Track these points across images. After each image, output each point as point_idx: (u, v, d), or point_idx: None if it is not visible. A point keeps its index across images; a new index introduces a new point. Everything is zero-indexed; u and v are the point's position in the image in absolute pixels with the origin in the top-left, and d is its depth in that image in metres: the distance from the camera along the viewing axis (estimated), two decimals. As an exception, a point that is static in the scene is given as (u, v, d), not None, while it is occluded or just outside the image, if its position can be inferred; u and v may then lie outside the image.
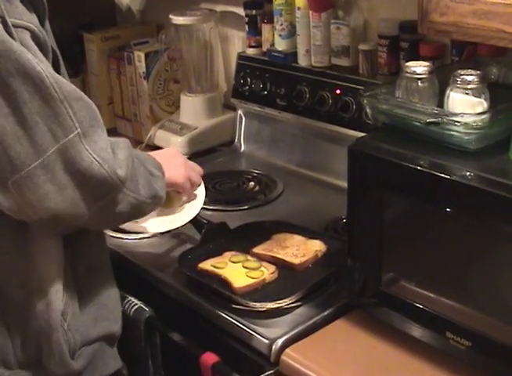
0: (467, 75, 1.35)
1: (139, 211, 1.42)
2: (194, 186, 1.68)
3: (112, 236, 1.88)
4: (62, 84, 1.26)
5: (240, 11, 2.32)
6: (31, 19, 1.29)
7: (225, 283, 1.62)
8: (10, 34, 1.23)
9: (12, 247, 1.40)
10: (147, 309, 1.68)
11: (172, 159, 1.61)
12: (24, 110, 1.24)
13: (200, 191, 1.76)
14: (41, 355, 1.45)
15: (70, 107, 1.26)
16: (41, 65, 1.25)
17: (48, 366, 1.45)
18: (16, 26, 1.25)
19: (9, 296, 1.43)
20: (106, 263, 1.56)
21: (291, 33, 2.17)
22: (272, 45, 2.24)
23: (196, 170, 1.70)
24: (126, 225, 1.65)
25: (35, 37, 1.29)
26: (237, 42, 2.44)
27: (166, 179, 1.49)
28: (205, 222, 1.81)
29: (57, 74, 1.28)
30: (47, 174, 1.26)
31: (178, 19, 2.33)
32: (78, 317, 1.46)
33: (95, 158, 1.27)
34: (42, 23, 1.36)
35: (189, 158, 2.24)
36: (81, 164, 1.26)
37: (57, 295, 1.42)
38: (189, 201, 1.73)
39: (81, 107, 1.28)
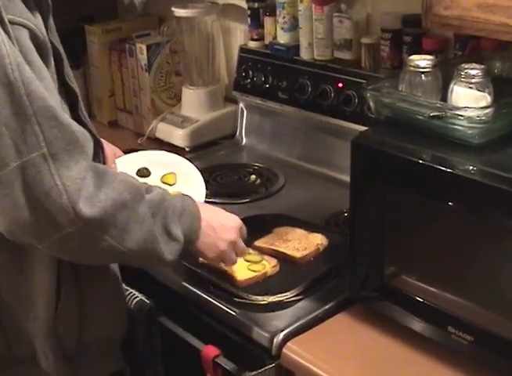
0: (471, 69, 1.35)
1: (120, 259, 1.35)
2: (228, 263, 1.52)
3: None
4: (36, 97, 1.18)
5: (242, 3, 2.31)
6: (31, 18, 1.25)
7: (226, 276, 1.62)
8: (6, 32, 1.19)
9: (2, 250, 1.36)
10: (148, 301, 1.68)
11: (222, 231, 1.44)
12: None
13: (200, 187, 1.77)
14: (35, 353, 1.44)
15: (38, 124, 1.18)
16: (17, 73, 1.17)
17: (42, 365, 1.44)
18: (13, 23, 1.21)
19: (1, 295, 1.41)
20: (112, 265, 1.52)
21: (293, 26, 2.17)
22: (275, 38, 2.24)
23: (239, 252, 1.51)
24: None
25: (34, 37, 1.24)
26: (239, 35, 2.43)
27: (194, 248, 1.39)
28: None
29: (36, 85, 1.19)
30: (4, 189, 1.19)
31: (180, 12, 2.33)
32: (77, 320, 1.44)
33: (57, 184, 1.19)
34: (46, 22, 1.33)
35: (190, 151, 2.27)
36: (39, 186, 1.19)
37: (49, 301, 1.40)
38: None
39: (51, 126, 1.19)
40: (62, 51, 1.39)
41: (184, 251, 1.37)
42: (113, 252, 1.27)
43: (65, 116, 1.23)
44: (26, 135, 1.18)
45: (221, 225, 1.45)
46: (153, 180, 1.82)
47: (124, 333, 1.56)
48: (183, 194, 1.44)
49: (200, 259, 1.66)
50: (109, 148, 1.70)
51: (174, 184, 1.83)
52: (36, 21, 1.27)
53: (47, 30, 1.33)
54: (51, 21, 1.37)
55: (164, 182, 1.82)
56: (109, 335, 1.52)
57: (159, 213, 1.32)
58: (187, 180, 1.83)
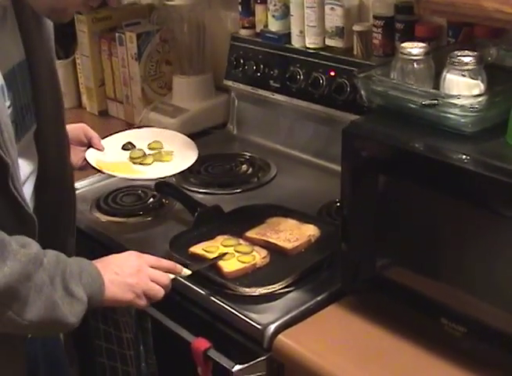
0: (464, 56, 1.33)
1: (21, 330, 1.31)
2: (152, 299, 1.44)
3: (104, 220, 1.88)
4: None
5: (233, -9, 2.29)
6: None
7: (215, 267, 1.60)
8: None
9: None
10: (138, 293, 1.66)
11: (122, 269, 1.40)
12: None
13: (190, 149, 1.85)
14: None
15: None
16: None
17: None
18: None
19: None
20: None
21: (285, 14, 2.15)
22: (266, 26, 2.22)
23: (159, 279, 1.45)
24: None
25: None
26: (230, 23, 2.41)
27: (106, 299, 1.35)
28: (198, 204, 1.80)
29: None
30: None
31: (170, 0, 2.30)
32: None
33: None
34: None
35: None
36: None
37: None
38: None
39: None
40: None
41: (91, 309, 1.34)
42: (13, 325, 1.25)
43: None
44: None
45: (118, 266, 1.40)
46: (139, 150, 1.85)
47: None
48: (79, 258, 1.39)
49: (190, 250, 1.65)
50: (75, 133, 1.72)
51: (161, 148, 1.87)
52: None
53: None
54: None
55: (151, 148, 1.87)
56: None
57: (57, 275, 1.29)
58: (174, 144, 1.89)
